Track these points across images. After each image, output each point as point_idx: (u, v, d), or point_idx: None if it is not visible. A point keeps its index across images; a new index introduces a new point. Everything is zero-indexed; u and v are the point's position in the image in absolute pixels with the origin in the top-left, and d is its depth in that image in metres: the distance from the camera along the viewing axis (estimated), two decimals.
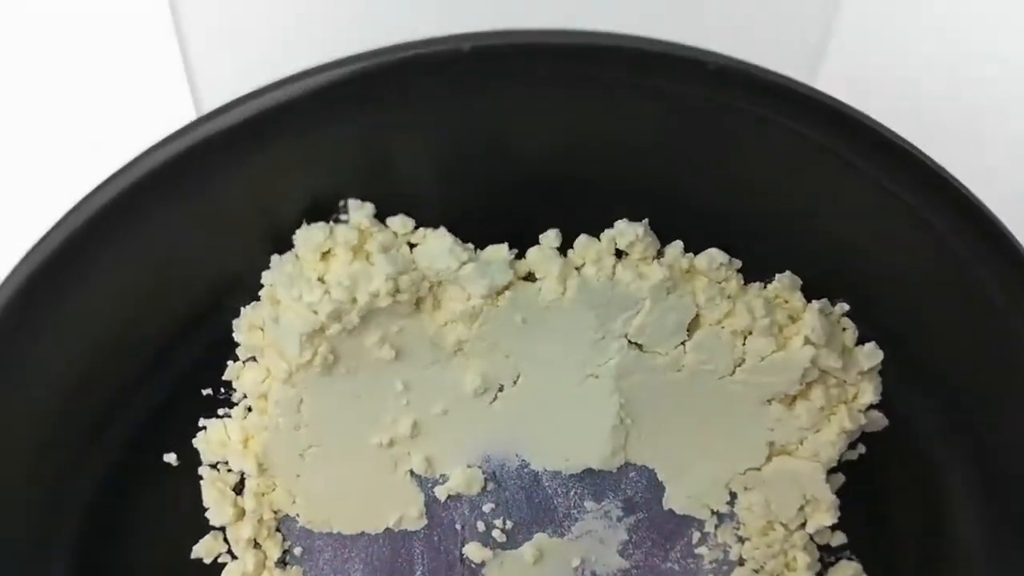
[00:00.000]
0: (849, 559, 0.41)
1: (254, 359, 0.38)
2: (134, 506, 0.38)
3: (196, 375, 0.38)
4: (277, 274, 0.35)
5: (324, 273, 0.35)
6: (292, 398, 0.37)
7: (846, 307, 0.39)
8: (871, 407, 0.39)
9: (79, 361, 0.35)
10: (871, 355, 0.38)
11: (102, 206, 0.32)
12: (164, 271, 0.35)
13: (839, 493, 0.40)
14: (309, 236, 0.35)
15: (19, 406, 0.35)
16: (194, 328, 0.37)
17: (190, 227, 0.34)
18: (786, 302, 0.38)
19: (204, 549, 0.39)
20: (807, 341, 0.38)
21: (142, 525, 0.39)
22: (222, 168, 0.34)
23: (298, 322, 0.35)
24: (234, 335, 0.37)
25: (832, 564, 0.42)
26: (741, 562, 0.41)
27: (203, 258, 0.35)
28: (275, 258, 0.35)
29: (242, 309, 0.36)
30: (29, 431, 0.36)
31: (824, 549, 0.41)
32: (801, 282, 0.38)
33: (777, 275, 0.38)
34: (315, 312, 0.35)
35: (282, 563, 0.40)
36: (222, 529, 0.39)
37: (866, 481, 0.41)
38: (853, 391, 0.39)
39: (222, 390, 0.38)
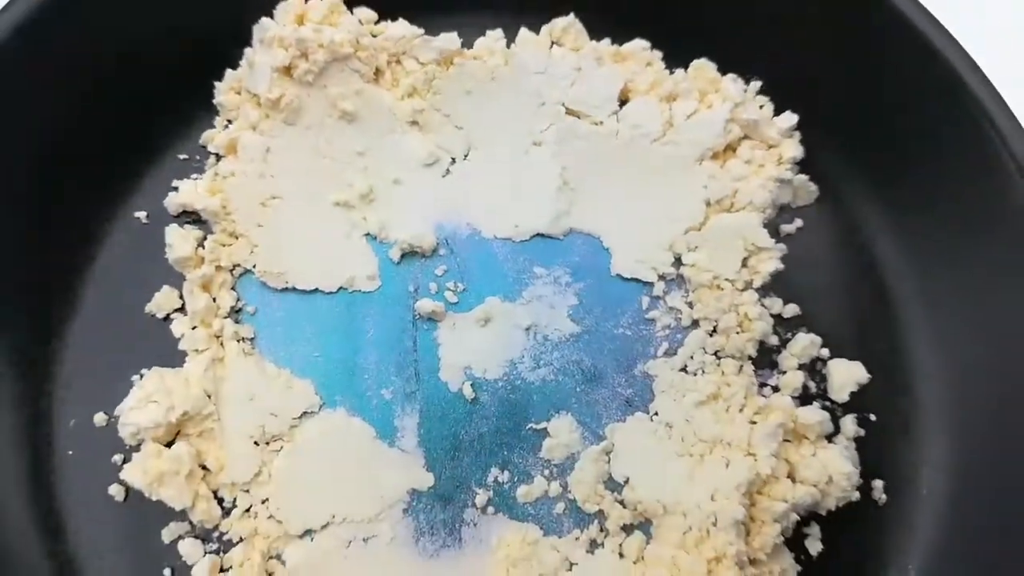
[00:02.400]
0: (806, 332, 0.41)
1: (228, 125, 0.42)
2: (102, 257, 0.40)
3: (173, 141, 0.42)
4: (257, 32, 0.41)
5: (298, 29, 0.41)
6: (260, 145, 0.41)
7: (759, 83, 0.43)
8: (800, 171, 0.42)
9: (72, 104, 0.40)
10: (787, 119, 0.42)
11: None
12: (160, 25, 0.41)
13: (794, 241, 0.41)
14: (288, 6, 0.41)
15: (12, 148, 0.39)
16: (180, 88, 0.41)
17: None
18: (706, 79, 0.43)
19: (156, 304, 0.40)
20: (726, 99, 0.42)
21: (107, 276, 0.40)
22: None
23: (270, 58, 0.40)
24: (215, 99, 0.42)
25: (790, 339, 0.41)
26: (695, 325, 0.40)
27: (193, 25, 0.41)
28: (256, 25, 0.41)
29: (225, 73, 0.42)
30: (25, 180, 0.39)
31: (779, 322, 0.41)
32: (716, 65, 0.43)
33: (694, 60, 0.43)
34: (286, 48, 0.40)
35: (235, 322, 0.40)
36: (179, 290, 0.40)
37: (807, 255, 0.42)
38: (777, 152, 0.42)
39: (197, 156, 0.42)
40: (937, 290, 0.40)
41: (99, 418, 0.38)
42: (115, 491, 0.37)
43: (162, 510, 0.37)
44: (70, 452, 0.38)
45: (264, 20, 0.41)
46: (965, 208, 0.39)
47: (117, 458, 0.38)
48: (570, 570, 0.37)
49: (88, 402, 0.38)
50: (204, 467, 0.37)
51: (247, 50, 0.42)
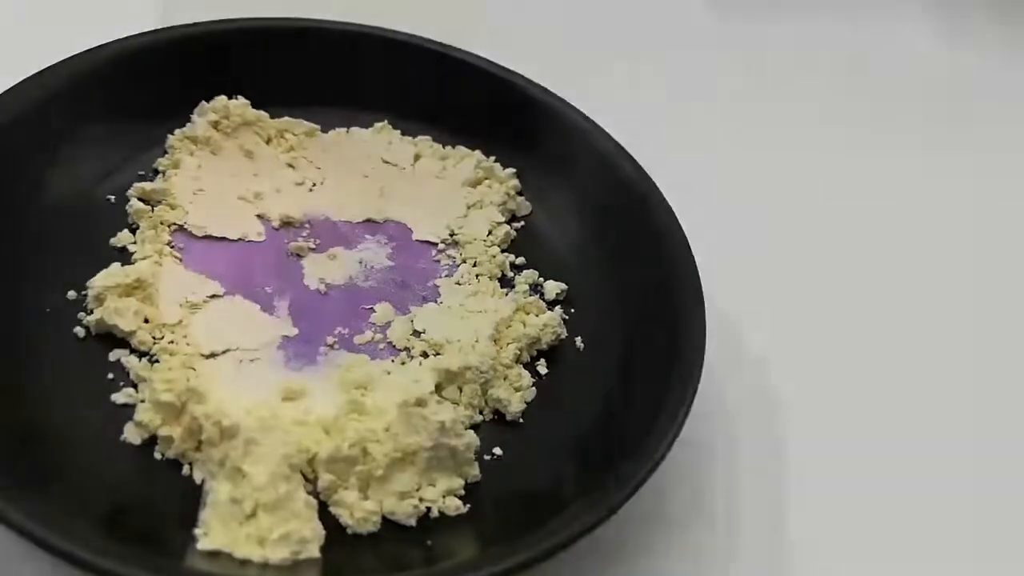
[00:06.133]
0: (530, 270, 0.68)
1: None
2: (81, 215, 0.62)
3: (134, 165, 0.67)
4: (199, 108, 0.69)
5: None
6: (194, 163, 0.67)
7: (494, 158, 0.75)
8: (519, 195, 0.72)
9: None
10: (510, 171, 0.74)
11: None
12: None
13: (521, 231, 0.70)
14: (219, 99, 0.70)
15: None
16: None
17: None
18: (463, 152, 0.74)
19: (118, 239, 0.61)
20: (473, 158, 0.73)
21: (84, 224, 0.61)
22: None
23: (206, 118, 0.68)
24: (166, 143, 0.68)
25: (519, 273, 0.68)
26: (464, 262, 0.67)
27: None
28: (199, 106, 0.69)
29: (177, 131, 0.69)
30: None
31: (513, 267, 0.68)
32: (470, 151, 0.75)
33: (459, 145, 0.75)
34: (214, 113, 0.68)
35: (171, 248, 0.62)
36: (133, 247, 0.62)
37: (528, 237, 0.71)
38: (505, 186, 0.73)
39: (150, 174, 0.67)
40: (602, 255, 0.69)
41: (71, 294, 0.57)
42: (78, 331, 0.55)
43: (109, 343, 0.55)
44: (47, 310, 0.56)
45: (203, 103, 0.69)
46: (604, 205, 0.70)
47: (82, 315, 0.56)
48: (389, 374, 0.58)
49: (63, 288, 0.58)
50: (146, 320, 0.57)
51: (192, 116, 0.69)
